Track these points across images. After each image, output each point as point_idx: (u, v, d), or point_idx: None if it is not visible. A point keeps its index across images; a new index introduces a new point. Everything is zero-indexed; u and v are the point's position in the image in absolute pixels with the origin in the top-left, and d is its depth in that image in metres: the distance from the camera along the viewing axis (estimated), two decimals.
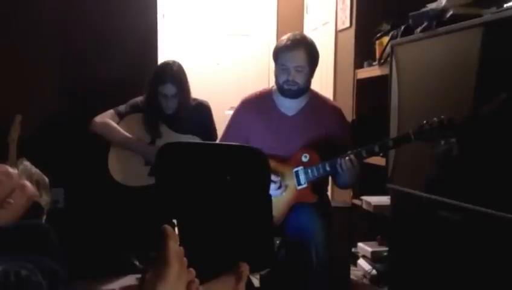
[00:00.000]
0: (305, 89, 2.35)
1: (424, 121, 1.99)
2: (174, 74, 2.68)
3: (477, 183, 1.84)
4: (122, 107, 2.80)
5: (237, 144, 2.27)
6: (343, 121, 2.48)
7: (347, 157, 2.14)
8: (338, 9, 3.58)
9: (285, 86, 2.31)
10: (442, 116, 1.94)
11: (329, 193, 2.76)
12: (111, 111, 2.78)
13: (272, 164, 2.14)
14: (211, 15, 4.75)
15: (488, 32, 1.78)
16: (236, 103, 2.56)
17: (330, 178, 2.64)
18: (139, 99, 2.83)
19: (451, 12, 2.02)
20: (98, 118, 2.75)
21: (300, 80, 2.30)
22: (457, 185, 1.94)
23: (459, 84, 1.96)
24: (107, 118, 2.75)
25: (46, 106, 3.18)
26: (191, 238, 1.78)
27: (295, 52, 2.29)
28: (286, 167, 2.30)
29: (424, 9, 2.21)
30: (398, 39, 2.42)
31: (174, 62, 2.75)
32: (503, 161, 1.71)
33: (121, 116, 2.78)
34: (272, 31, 4.74)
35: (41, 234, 1.61)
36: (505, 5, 1.78)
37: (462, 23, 1.92)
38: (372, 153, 2.18)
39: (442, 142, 1.96)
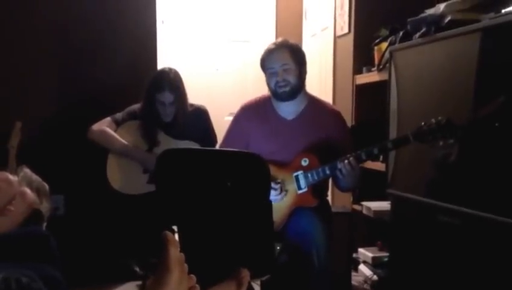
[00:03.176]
0: (298, 89, 2.36)
1: (422, 123, 2.00)
2: (172, 81, 2.68)
3: (477, 188, 1.84)
4: (119, 115, 2.80)
5: (237, 150, 2.27)
6: (343, 124, 2.49)
7: (346, 161, 2.15)
8: (337, 15, 3.59)
9: (278, 89, 2.34)
10: (439, 117, 1.94)
11: (329, 198, 2.76)
12: (108, 119, 2.77)
13: (272, 168, 2.14)
14: (210, 21, 4.76)
15: (486, 37, 1.79)
16: (235, 108, 2.56)
17: (331, 183, 2.64)
18: (136, 106, 2.82)
19: (449, 18, 2.02)
20: (95, 126, 2.75)
21: (290, 78, 2.32)
22: (457, 190, 1.94)
23: (457, 90, 1.96)
24: (104, 126, 2.74)
25: (45, 112, 3.19)
26: (192, 244, 1.78)
27: (278, 53, 2.35)
28: (286, 171, 2.30)
29: (422, 15, 2.21)
30: (397, 45, 2.42)
31: (170, 69, 2.75)
32: (502, 165, 1.71)
33: (118, 124, 2.77)
34: (271, 37, 4.75)
35: (41, 241, 1.61)
36: (503, 11, 1.79)
37: (460, 28, 1.92)
38: (371, 156, 2.18)
39: (441, 142, 1.96)
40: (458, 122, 1.91)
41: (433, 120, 1.96)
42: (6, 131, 2.72)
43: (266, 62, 2.38)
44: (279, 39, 2.45)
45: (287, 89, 2.33)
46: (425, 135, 1.98)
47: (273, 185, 2.20)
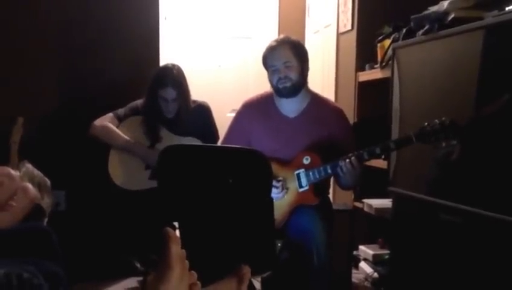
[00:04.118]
0: (300, 85, 2.35)
1: (426, 123, 1.99)
2: (175, 78, 2.68)
3: (478, 186, 1.83)
4: (121, 111, 2.80)
5: (239, 146, 2.27)
6: (345, 122, 2.48)
7: (347, 160, 2.14)
8: (340, 12, 3.58)
9: (280, 85, 2.33)
10: (443, 118, 1.94)
11: (330, 196, 2.76)
12: (110, 114, 2.77)
13: (274, 166, 2.14)
14: (212, 17, 4.76)
15: (490, 35, 1.78)
16: (237, 105, 2.56)
17: (332, 180, 2.64)
18: (139, 102, 2.82)
19: (452, 15, 2.02)
20: (98, 122, 2.74)
21: (292, 74, 2.31)
22: (459, 188, 1.93)
23: (460, 87, 1.96)
24: (106, 122, 2.74)
25: (48, 108, 3.19)
26: (193, 241, 1.78)
27: (280, 50, 2.34)
28: (287, 169, 2.30)
29: (425, 12, 2.21)
30: (400, 42, 2.42)
31: (173, 65, 2.74)
32: (504, 163, 1.71)
33: (120, 120, 2.77)
34: (274, 34, 4.74)
35: (42, 237, 1.61)
36: (507, 8, 1.78)
37: (464, 26, 1.92)
38: (373, 155, 2.18)
39: (444, 143, 1.95)
40: (461, 122, 1.91)
41: (436, 121, 1.95)
42: (8, 127, 2.72)
43: (268, 59, 2.37)
44: (281, 36, 2.45)
45: (289, 84, 2.32)
46: (429, 136, 1.97)
47: (274, 183, 2.20)
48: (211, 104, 2.90)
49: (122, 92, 3.05)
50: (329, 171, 2.22)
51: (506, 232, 1.68)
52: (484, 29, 1.81)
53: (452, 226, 1.95)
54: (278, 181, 2.25)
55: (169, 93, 2.66)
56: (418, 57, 2.25)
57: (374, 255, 2.98)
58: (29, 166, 1.81)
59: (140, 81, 2.89)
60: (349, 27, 3.40)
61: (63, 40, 3.22)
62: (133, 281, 2.99)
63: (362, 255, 3.11)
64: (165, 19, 4.29)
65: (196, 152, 2.10)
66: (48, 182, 1.83)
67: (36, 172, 1.81)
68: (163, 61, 3.31)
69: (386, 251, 2.86)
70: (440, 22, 2.07)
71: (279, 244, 2.25)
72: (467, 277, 1.89)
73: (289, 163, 2.31)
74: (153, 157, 2.53)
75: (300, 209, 2.26)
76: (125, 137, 2.73)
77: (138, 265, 3.01)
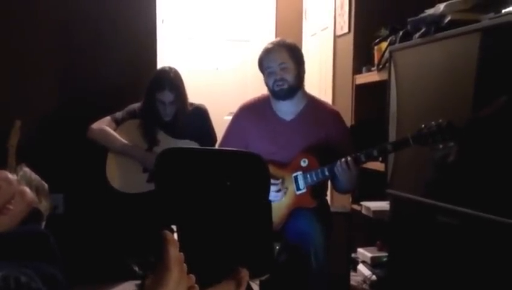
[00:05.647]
0: (296, 87, 2.36)
1: (422, 125, 1.99)
2: (172, 81, 2.68)
3: (476, 188, 1.84)
4: (119, 114, 2.80)
5: (237, 149, 2.27)
6: (342, 124, 2.49)
7: (343, 160, 2.15)
8: (337, 15, 3.59)
9: (276, 88, 2.34)
10: (440, 120, 1.94)
11: (328, 198, 2.76)
12: (108, 118, 2.77)
13: (271, 169, 2.14)
14: (210, 20, 4.76)
15: (486, 37, 1.79)
16: (235, 108, 2.56)
17: (329, 183, 2.64)
18: (136, 105, 2.82)
19: (449, 18, 2.03)
20: (95, 125, 2.74)
21: (288, 76, 2.32)
22: (457, 190, 1.94)
23: (457, 89, 1.96)
24: (103, 125, 2.74)
25: (45, 111, 3.19)
26: (191, 244, 1.78)
27: (275, 52, 2.35)
28: (285, 172, 2.30)
29: (422, 15, 2.21)
30: (397, 44, 2.42)
31: (171, 68, 2.74)
32: (501, 166, 1.71)
33: (117, 123, 2.77)
34: (271, 37, 4.74)
35: (40, 240, 1.61)
36: (503, 11, 1.79)
37: (460, 28, 1.92)
38: (370, 157, 2.18)
39: (441, 145, 1.96)
40: (458, 124, 1.91)
41: (433, 123, 1.95)
42: (6, 130, 2.72)
43: (264, 62, 2.38)
44: (277, 39, 2.46)
45: (285, 87, 2.32)
46: (426, 138, 1.98)
47: (272, 181, 2.20)
48: (209, 107, 2.90)
49: (120, 95, 3.05)
50: (326, 173, 2.22)
51: (504, 234, 1.68)
52: (480, 32, 1.81)
53: (450, 228, 1.95)
54: (277, 179, 2.25)
55: (167, 96, 2.66)
56: (415, 60, 2.26)
57: (372, 258, 2.98)
58: (26, 170, 1.81)
59: (138, 84, 2.89)
60: (346, 30, 3.41)
61: (60, 43, 3.22)
62: (131, 285, 2.98)
63: (360, 258, 3.12)
64: (162, 22, 4.29)
65: (194, 155, 2.10)
66: (46, 185, 1.83)
67: (34, 176, 1.80)
68: (160, 64, 3.32)
69: (384, 254, 2.86)
70: (437, 24, 2.07)
71: (277, 247, 2.25)
72: (465, 279, 1.89)
73: (287, 165, 2.31)
74: (151, 160, 2.53)
75: (298, 211, 2.26)
76: (123, 140, 2.72)
77: (136, 268, 3.00)
